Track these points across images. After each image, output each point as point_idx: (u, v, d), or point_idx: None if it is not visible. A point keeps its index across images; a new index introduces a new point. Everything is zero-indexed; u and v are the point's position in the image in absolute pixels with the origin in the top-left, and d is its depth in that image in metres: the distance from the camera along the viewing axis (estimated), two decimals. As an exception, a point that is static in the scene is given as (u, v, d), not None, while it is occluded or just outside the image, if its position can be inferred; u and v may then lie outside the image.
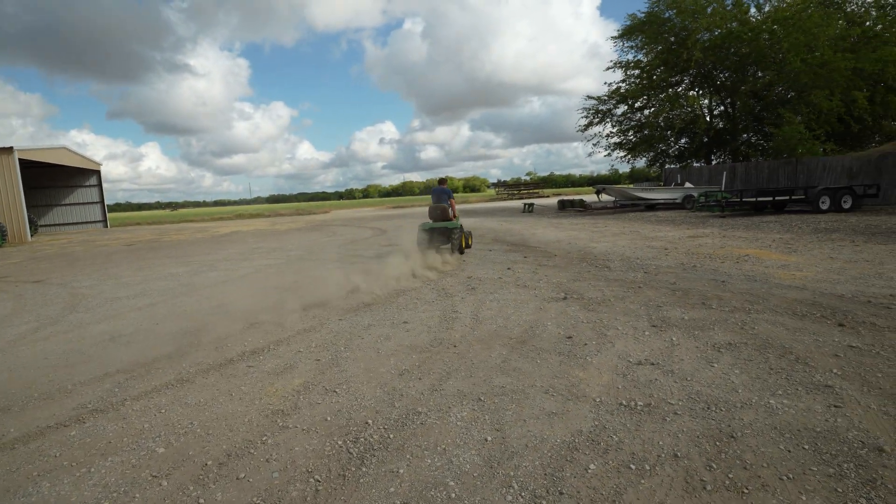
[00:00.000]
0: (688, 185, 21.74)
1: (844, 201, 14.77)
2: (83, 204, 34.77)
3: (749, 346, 3.97)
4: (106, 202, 35.75)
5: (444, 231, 9.97)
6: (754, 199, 15.23)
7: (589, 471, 2.43)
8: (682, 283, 6.49)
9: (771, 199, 15.22)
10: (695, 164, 26.77)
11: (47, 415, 3.44)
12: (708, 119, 25.37)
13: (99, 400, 3.65)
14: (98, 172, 34.81)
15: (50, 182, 33.23)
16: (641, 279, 6.86)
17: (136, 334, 5.47)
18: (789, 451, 2.47)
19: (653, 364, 3.72)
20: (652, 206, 21.88)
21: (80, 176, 34.16)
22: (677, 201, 20.69)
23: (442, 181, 10.68)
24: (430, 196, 10.67)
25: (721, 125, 25.18)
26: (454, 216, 10.06)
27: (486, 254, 10.30)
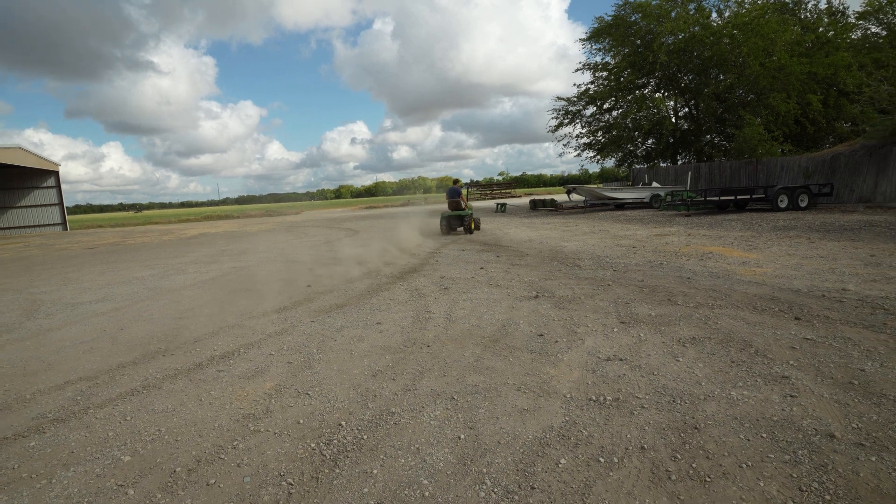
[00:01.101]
0: (655, 184, 22.30)
1: (801, 200, 15.40)
2: (40, 206, 33.36)
3: (712, 341, 4.11)
4: (66, 204, 34.39)
5: (459, 217, 14.46)
6: (718, 199, 15.75)
7: (560, 465, 2.49)
8: (649, 280, 6.66)
9: (733, 198, 15.76)
10: (661, 165, 27.48)
11: (4, 426, 3.30)
12: (673, 120, 26.06)
13: (60, 409, 3.52)
14: (56, 173, 33.45)
15: (5, 183, 31.76)
16: (611, 277, 7.01)
17: (100, 340, 5.29)
18: (748, 440, 2.58)
19: (621, 360, 3.82)
20: (621, 206, 22.35)
21: (37, 177, 32.78)
22: (645, 201, 21.21)
23: (455, 182, 15.11)
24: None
25: (686, 126, 25.93)
26: (466, 206, 14.67)
27: (460, 254, 10.35)
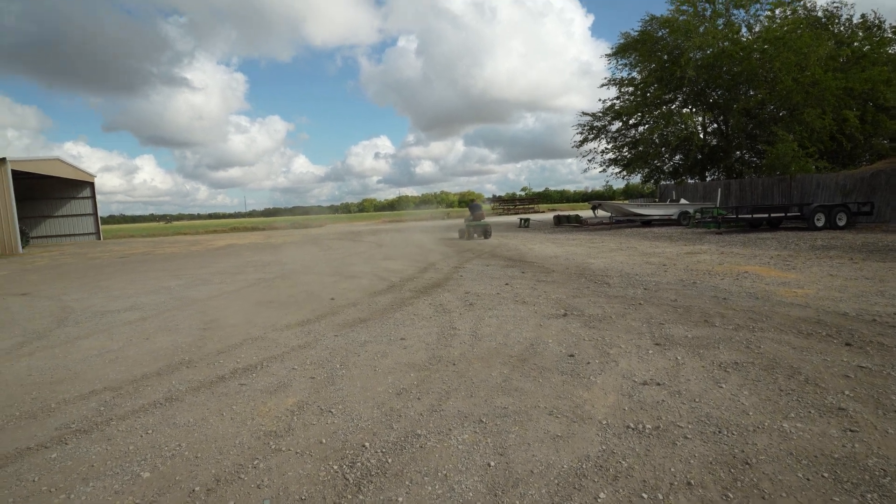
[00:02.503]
0: (683, 201, 21.83)
1: (839, 219, 14.83)
2: (76, 216, 34.51)
3: (756, 366, 3.87)
4: (100, 214, 35.51)
5: (481, 226, 18.25)
6: (750, 216, 15.27)
7: (599, 500, 2.31)
8: (683, 299, 6.41)
9: (767, 215, 15.27)
10: (689, 181, 26.94)
11: (27, 435, 3.27)
12: (702, 136, 25.57)
13: (83, 419, 3.49)
14: (92, 184, 34.62)
15: (43, 193, 33.00)
16: (642, 296, 6.77)
17: (126, 349, 5.30)
18: (808, 480, 2.36)
19: (659, 384, 3.62)
20: (647, 222, 21.93)
21: (74, 188, 33.97)
22: (673, 217, 20.75)
23: (476, 199, 21.64)
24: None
25: (715, 142, 25.40)
26: (483, 217, 18.57)
27: (484, 269, 10.21)
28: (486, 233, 18.08)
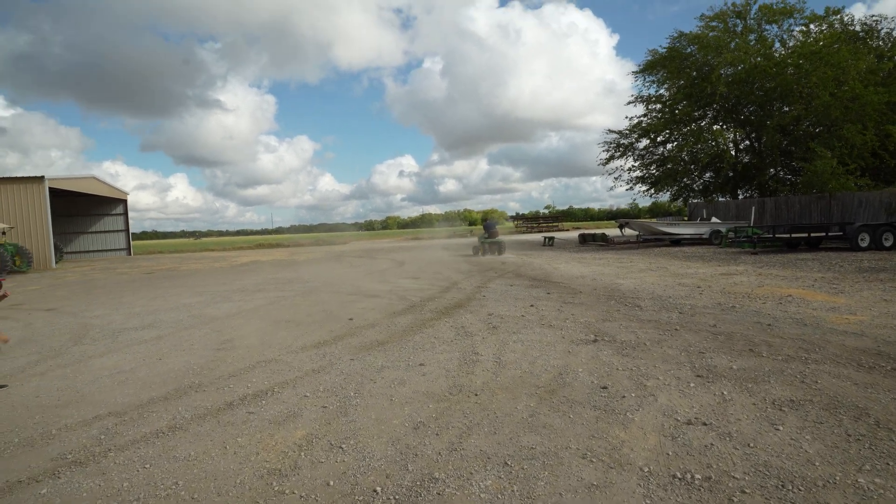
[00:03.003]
0: (714, 220, 21.10)
1: (885, 239, 14.01)
2: (109, 232, 35.50)
3: (816, 405, 3.45)
4: (134, 230, 36.49)
5: (496, 243, 19.16)
6: (788, 236, 14.55)
7: (646, 571, 1.95)
8: (722, 325, 5.96)
9: (806, 235, 14.53)
10: (720, 199, 26.14)
11: (21, 466, 3.08)
12: (734, 153, 24.79)
13: (81, 449, 3.29)
14: (125, 201, 35.64)
15: (78, 210, 34.07)
16: (677, 320, 6.34)
17: (137, 370, 5.15)
18: (902, 555, 1.96)
19: (705, 424, 3.23)
20: (677, 242, 21.25)
21: (108, 204, 35.00)
22: (704, 237, 20.04)
23: (490, 217, 26.18)
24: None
25: (747, 160, 24.58)
26: (497, 234, 19.74)
27: (508, 289, 9.87)
28: (500, 249, 18.98)
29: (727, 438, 3.02)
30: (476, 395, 3.98)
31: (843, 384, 3.83)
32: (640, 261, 14.91)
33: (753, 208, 20.34)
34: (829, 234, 14.45)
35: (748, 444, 2.93)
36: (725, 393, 3.75)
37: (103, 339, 6.90)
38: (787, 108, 23.26)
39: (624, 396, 3.78)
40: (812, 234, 14.50)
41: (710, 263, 13.14)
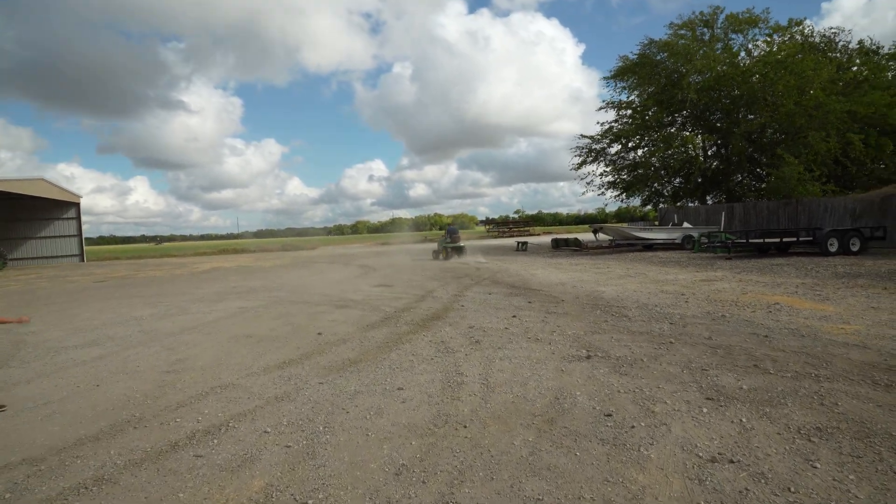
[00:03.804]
0: (686, 224, 21.26)
1: (853, 244, 14.24)
2: (59, 237, 33.47)
3: (846, 434, 3.08)
4: (90, 235, 34.56)
5: (457, 248, 20.37)
6: (761, 241, 14.64)
7: None
8: (718, 337, 5.64)
9: (778, 240, 14.65)
10: (690, 204, 26.49)
11: None
12: (702, 159, 25.14)
13: (-24, 514, 2.62)
14: (77, 205, 33.68)
15: (25, 214, 32.00)
16: (669, 332, 6.00)
17: (68, 401, 4.42)
18: None
19: (732, 462, 2.81)
20: (649, 247, 21.31)
21: (58, 208, 33.00)
22: (676, 241, 20.13)
23: (453, 224, 27.04)
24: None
25: (715, 165, 24.96)
26: (459, 240, 20.95)
27: (487, 298, 9.41)
28: (461, 252, 20.34)
29: (762, 481, 2.61)
30: (465, 426, 3.47)
31: (866, 406, 3.49)
32: (616, 266, 14.72)
33: (723, 213, 20.58)
34: (800, 238, 14.60)
35: (788, 489, 2.52)
36: (744, 420, 3.36)
37: (35, 360, 6.08)
38: (752, 116, 23.76)
39: (633, 426, 3.34)
40: (784, 240, 14.62)
41: (687, 269, 13.03)
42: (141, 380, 4.98)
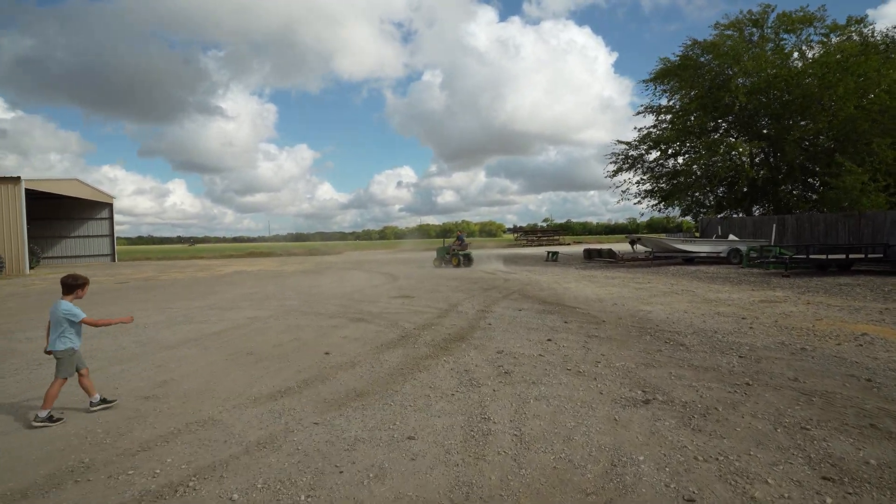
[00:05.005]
0: (732, 237, 19.77)
1: (930, 262, 12.69)
2: (92, 237, 34.02)
3: None
4: (130, 235, 36.33)
5: (467, 256, 20.83)
6: (824, 257, 13.20)
7: None
8: (806, 378, 4.57)
9: (844, 256, 13.18)
10: (734, 215, 24.86)
11: None
12: (750, 167, 23.50)
13: None
14: (110, 205, 34.20)
15: (60, 214, 32.64)
16: (741, 368, 4.95)
17: (14, 436, 3.71)
18: None
19: None
20: (690, 260, 19.92)
21: (92, 208, 33.57)
22: (722, 255, 18.69)
23: (462, 232, 21.96)
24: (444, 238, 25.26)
25: (763, 174, 23.24)
26: (468, 247, 21.59)
27: (517, 315, 8.46)
28: (469, 259, 20.83)
29: None
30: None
31: None
32: (658, 281, 13.52)
33: (774, 226, 19.02)
34: (868, 255, 13.11)
35: None
36: (893, 522, 2.35)
37: (13, 374, 5.46)
38: (803, 122, 22.08)
39: (730, 524, 2.37)
40: (850, 256, 13.16)
41: (740, 287, 11.76)
42: (114, 408, 4.25)
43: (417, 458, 3.17)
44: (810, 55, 22.66)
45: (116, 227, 34.46)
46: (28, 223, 24.33)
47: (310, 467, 3.07)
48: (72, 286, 4.16)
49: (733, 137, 24.04)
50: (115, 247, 34.59)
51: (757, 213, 24.33)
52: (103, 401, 4.23)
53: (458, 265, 20.47)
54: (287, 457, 3.22)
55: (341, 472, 3.01)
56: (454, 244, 21.44)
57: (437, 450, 3.27)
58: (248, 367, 5.50)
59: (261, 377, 5.08)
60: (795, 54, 22.77)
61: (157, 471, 3.07)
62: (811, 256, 13.15)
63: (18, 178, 23.70)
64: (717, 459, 3.04)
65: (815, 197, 23.28)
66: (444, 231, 47.85)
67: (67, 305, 4.08)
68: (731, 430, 3.47)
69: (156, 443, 3.50)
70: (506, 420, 3.74)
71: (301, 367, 5.40)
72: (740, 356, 5.42)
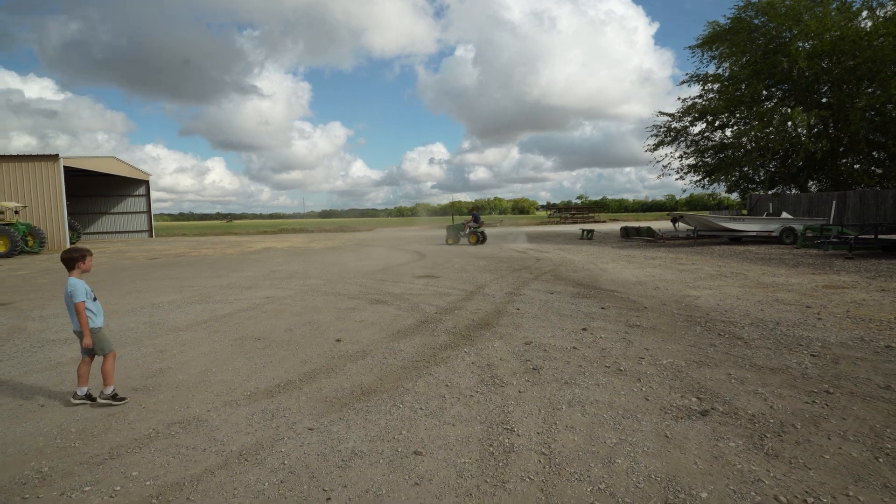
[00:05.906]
0: (785, 215, 18.30)
1: None
2: (130, 213, 34.86)
3: None
4: (171, 212, 37.26)
5: (481, 232, 21.31)
6: (895, 237, 11.87)
7: None
8: (901, 387, 3.76)
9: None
10: (787, 192, 23.11)
11: None
12: (808, 139, 21.59)
13: None
14: (147, 183, 34.85)
15: (99, 191, 33.47)
16: (815, 371, 4.16)
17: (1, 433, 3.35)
18: None
19: None
20: (737, 239, 18.59)
21: (129, 185, 34.30)
22: (773, 234, 17.32)
23: (476, 210, 23.02)
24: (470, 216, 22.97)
25: (822, 146, 21.34)
26: (482, 224, 22.21)
27: (548, 298, 7.78)
28: (483, 237, 21.35)
29: None
30: (511, 562, 1.97)
31: None
32: (703, 263, 12.50)
33: (833, 203, 17.45)
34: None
35: None
36: None
37: (14, 355, 5.20)
38: (870, 89, 20.00)
39: None
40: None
41: (798, 270, 10.67)
42: (114, 406, 3.86)
43: (422, 481, 2.60)
44: (881, 13, 20.43)
45: (159, 205, 35.47)
46: (67, 200, 24.92)
47: (292, 490, 2.55)
48: (73, 260, 3.87)
49: (789, 107, 22.09)
50: (153, 223, 35.38)
51: (813, 189, 22.50)
52: (114, 396, 3.80)
53: (476, 242, 21.12)
54: (269, 474, 2.72)
55: (328, 498, 2.47)
56: (469, 222, 21.90)
57: (446, 471, 2.70)
58: (253, 354, 5.06)
59: (262, 367, 4.62)
60: (865, 13, 20.56)
61: (118, 488, 2.61)
62: (879, 237, 11.84)
63: (57, 155, 24.19)
64: (801, 499, 2.36)
65: (880, 171, 21.28)
66: (454, 210, 47.05)
67: (73, 283, 3.79)
68: (818, 457, 2.76)
69: (128, 448, 3.06)
70: (532, 432, 3.14)
71: (308, 357, 4.92)
72: (812, 354, 4.62)
